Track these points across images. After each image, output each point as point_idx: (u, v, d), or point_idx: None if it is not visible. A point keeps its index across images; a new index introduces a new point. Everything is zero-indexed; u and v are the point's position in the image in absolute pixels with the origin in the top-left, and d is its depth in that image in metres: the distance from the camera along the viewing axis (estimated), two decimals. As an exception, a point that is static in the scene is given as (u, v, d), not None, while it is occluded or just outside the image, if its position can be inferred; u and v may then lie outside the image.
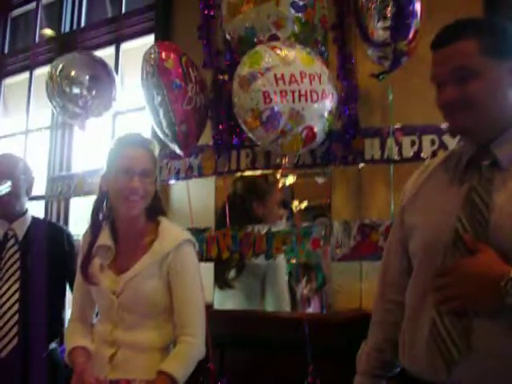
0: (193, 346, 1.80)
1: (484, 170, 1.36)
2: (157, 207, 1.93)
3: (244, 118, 2.23)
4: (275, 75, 2.14)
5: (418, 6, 2.21)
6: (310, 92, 2.17)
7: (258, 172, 2.66)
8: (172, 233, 1.89)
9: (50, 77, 3.24)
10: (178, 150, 2.55)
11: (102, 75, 3.25)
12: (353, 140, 2.34)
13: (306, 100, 2.16)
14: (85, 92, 3.17)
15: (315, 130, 2.22)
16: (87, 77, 3.19)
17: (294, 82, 2.15)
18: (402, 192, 1.59)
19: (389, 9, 2.19)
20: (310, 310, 2.57)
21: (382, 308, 1.61)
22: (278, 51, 2.20)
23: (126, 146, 1.86)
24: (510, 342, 1.22)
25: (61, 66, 3.21)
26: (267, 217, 2.78)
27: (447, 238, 1.34)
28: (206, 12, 2.66)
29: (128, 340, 1.79)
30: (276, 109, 2.13)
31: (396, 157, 2.30)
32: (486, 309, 1.24)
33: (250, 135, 2.30)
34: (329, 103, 2.24)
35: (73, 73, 3.19)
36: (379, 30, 2.22)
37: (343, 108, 2.36)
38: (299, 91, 2.15)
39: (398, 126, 2.30)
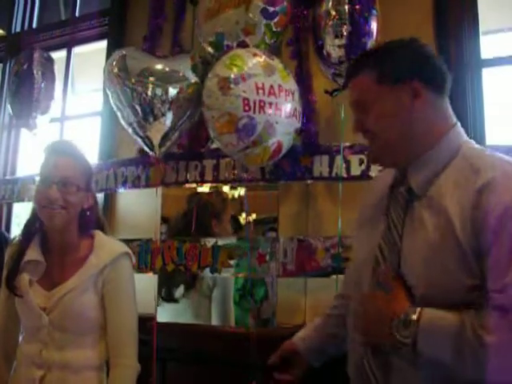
0: (130, 369, 1.74)
1: (399, 198, 1.37)
2: (91, 221, 1.85)
3: (217, 120, 2.14)
4: (256, 84, 2.10)
5: (374, 26, 2.24)
6: (286, 107, 2.16)
7: (207, 185, 2.63)
8: (108, 246, 1.81)
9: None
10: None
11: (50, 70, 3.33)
12: (302, 156, 2.34)
13: (281, 115, 2.14)
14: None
15: (283, 145, 2.20)
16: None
17: (272, 95, 2.12)
18: None
19: (345, 27, 2.21)
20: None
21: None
22: (260, 59, 2.17)
23: (47, 154, 1.78)
24: (419, 379, 1.24)
25: None
26: (222, 233, 2.74)
27: (369, 267, 1.37)
28: (155, 22, 2.62)
29: (60, 360, 1.69)
30: (253, 118, 2.08)
31: (344, 174, 2.31)
32: (383, 344, 1.27)
33: (216, 140, 2.24)
34: (296, 121, 2.24)
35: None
36: (335, 47, 2.23)
37: (303, 125, 2.34)
38: (276, 104, 2.12)
39: (346, 144, 2.32)
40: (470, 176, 1.24)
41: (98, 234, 1.84)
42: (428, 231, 1.25)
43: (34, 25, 4.25)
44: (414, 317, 1.19)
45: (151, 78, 2.31)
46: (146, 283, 2.54)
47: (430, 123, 1.34)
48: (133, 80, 2.30)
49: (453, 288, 1.20)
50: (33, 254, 1.77)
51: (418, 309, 1.20)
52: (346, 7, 2.20)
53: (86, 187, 1.80)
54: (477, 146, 1.37)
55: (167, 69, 2.37)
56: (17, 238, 1.85)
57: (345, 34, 2.21)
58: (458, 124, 1.37)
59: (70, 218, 1.75)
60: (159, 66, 2.37)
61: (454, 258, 1.20)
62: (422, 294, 1.23)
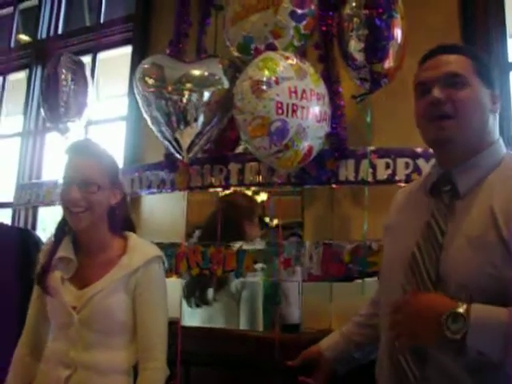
0: (159, 372, 1.74)
1: (443, 196, 1.41)
2: (121, 221, 1.87)
3: (250, 124, 2.12)
4: (289, 87, 2.08)
5: (395, 30, 2.22)
6: (317, 111, 2.14)
7: (231, 189, 2.62)
8: (142, 248, 1.83)
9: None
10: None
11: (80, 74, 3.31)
12: (327, 160, 2.32)
13: (312, 119, 2.12)
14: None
15: (313, 149, 2.19)
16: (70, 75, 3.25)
17: (305, 99, 2.10)
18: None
19: (364, 31, 2.20)
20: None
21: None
22: (292, 62, 2.15)
23: (69, 155, 1.79)
24: (457, 370, 1.25)
25: None
26: (254, 236, 2.75)
27: (403, 264, 1.39)
28: (180, 28, 2.62)
29: (87, 360, 1.69)
30: (286, 122, 2.07)
31: (370, 179, 2.30)
32: (430, 344, 1.26)
33: (248, 144, 2.23)
34: (326, 126, 2.22)
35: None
36: (358, 51, 2.23)
37: (331, 129, 2.31)
38: (308, 108, 2.11)
39: (372, 148, 2.30)
40: None
41: (132, 236, 1.86)
42: (473, 229, 1.29)
43: (60, 31, 4.31)
44: (462, 310, 1.19)
45: (188, 85, 2.30)
46: (171, 287, 2.54)
47: (489, 129, 1.42)
48: (169, 88, 2.29)
49: (499, 285, 1.22)
50: (64, 251, 1.79)
51: (465, 304, 1.20)
52: (365, 11, 2.19)
53: (111, 184, 1.80)
54: None
55: (206, 73, 2.35)
56: (50, 238, 1.87)
57: (364, 37, 2.20)
58: (501, 138, 1.45)
59: (95, 217, 1.76)
60: (197, 72, 2.35)
61: (499, 253, 1.23)
62: (464, 289, 1.25)
